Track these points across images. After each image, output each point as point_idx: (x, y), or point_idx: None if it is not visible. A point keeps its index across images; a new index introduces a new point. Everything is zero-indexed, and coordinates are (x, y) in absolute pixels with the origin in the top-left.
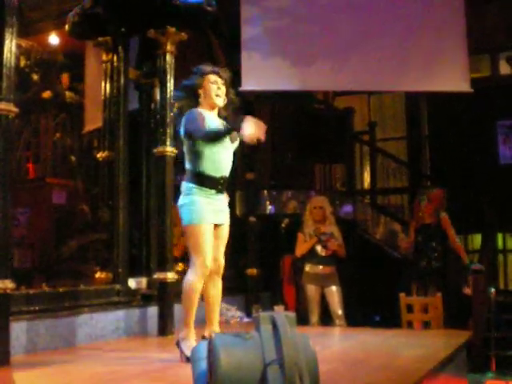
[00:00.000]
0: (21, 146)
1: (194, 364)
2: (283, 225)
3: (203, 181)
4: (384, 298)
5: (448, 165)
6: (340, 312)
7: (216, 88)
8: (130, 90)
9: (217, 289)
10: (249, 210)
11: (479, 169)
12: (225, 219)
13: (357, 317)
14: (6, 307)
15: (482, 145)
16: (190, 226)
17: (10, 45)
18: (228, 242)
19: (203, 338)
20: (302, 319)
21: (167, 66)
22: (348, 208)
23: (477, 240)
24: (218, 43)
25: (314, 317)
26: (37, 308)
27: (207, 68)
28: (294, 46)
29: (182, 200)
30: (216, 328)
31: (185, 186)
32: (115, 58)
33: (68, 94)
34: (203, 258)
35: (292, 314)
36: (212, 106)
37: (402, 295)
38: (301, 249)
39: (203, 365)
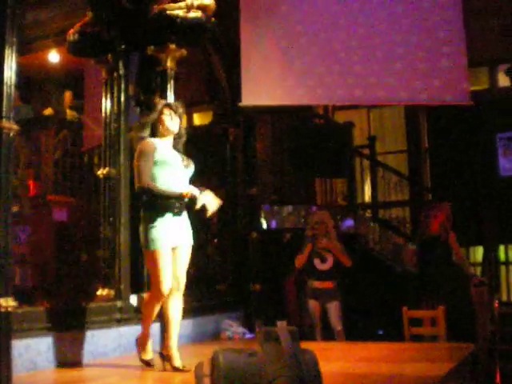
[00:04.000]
0: (21, 163)
1: (198, 381)
2: (285, 240)
3: (159, 205)
4: (387, 312)
5: (449, 177)
6: (339, 328)
7: (169, 119)
8: (131, 106)
9: (176, 307)
10: (250, 225)
11: (480, 181)
12: (185, 239)
13: (359, 331)
14: (8, 325)
15: (482, 157)
16: (148, 251)
17: (11, 63)
18: (230, 257)
19: (161, 355)
20: (305, 334)
21: (167, 83)
22: (349, 222)
23: (478, 252)
24: (219, 60)
25: (316, 331)
26: (38, 326)
27: (162, 102)
28: (292, 61)
29: (141, 226)
30: (173, 345)
31: (142, 213)
32: (115, 74)
33: (69, 112)
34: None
35: (295, 329)
36: (165, 135)
37: (404, 309)
38: (299, 260)
39: (206, 382)
